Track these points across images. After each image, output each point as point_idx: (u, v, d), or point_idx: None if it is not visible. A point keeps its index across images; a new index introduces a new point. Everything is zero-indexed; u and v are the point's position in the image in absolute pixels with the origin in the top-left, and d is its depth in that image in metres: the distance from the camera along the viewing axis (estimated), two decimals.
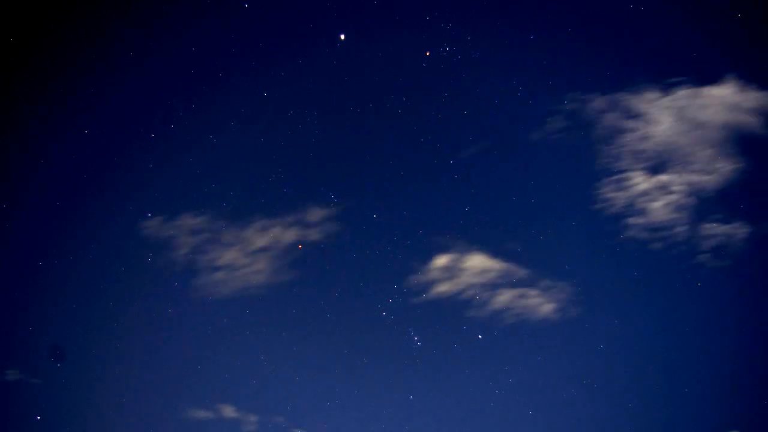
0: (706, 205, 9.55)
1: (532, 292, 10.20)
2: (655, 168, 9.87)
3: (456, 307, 10.31)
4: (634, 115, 9.81)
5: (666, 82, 9.62)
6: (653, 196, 9.77)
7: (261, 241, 10.55)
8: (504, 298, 10.21)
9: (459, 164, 10.48)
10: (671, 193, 9.65)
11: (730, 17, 9.24)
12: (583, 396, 9.82)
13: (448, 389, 10.30)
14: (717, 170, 9.34)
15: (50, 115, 10.02)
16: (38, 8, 9.59)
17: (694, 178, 9.51)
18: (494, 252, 10.41)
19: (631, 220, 9.87)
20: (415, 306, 10.38)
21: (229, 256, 10.51)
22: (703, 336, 9.62)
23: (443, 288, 10.38)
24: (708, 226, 9.52)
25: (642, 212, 9.85)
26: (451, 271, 10.38)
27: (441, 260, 10.47)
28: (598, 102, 9.89)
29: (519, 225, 10.43)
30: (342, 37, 10.04)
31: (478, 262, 10.35)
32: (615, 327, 9.97)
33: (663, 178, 9.74)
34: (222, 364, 10.38)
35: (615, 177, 9.92)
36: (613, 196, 9.93)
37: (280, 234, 10.58)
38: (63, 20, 9.69)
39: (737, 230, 9.44)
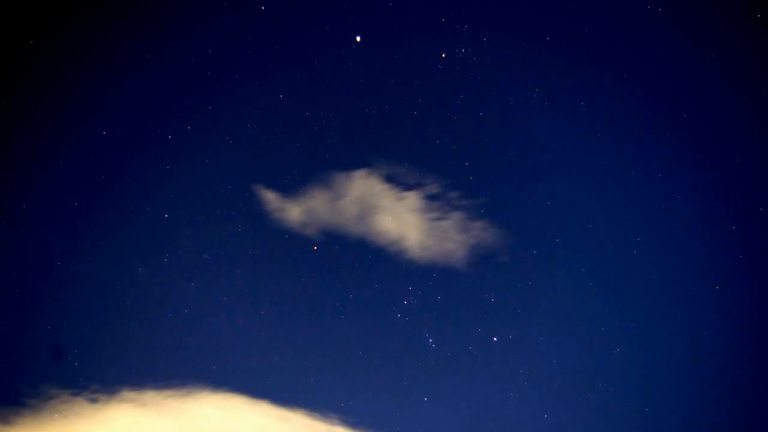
0: None
1: None
2: None
3: None
4: None
5: None
6: None
7: None
8: None
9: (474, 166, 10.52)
10: None
11: None
12: (597, 399, 9.81)
13: (461, 391, 10.33)
14: None
15: (61, 116, 10.15)
16: (51, 7, 9.73)
17: None
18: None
19: None
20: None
21: None
22: (721, 339, 9.57)
23: None
24: None
25: None
26: None
27: None
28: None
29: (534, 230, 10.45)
30: (358, 38, 10.07)
31: None
32: (631, 330, 9.96)
33: None
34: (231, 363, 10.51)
35: None
36: None
37: None
38: (73, 21, 9.83)
39: None
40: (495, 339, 10.23)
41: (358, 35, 10.04)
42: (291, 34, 10.28)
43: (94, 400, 9.90)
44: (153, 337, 10.31)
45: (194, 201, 10.42)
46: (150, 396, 9.97)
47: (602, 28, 9.77)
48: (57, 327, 10.05)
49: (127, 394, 9.92)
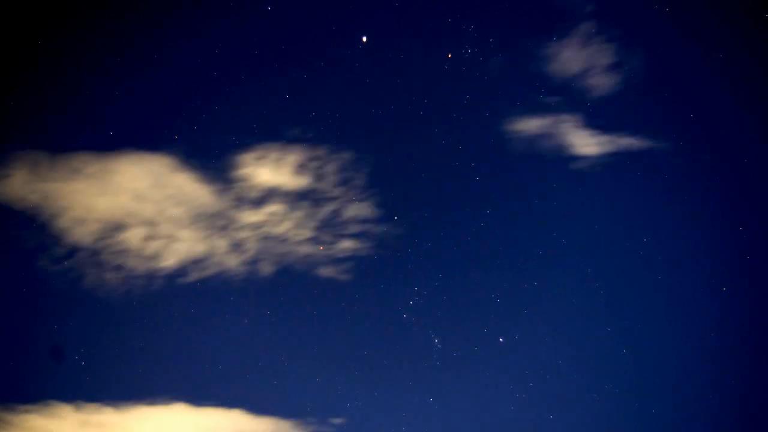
0: None
1: None
2: None
3: None
4: None
5: None
6: None
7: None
8: None
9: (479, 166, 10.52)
10: None
11: None
12: (604, 400, 9.83)
13: (467, 392, 10.32)
14: None
15: (65, 116, 10.08)
16: (58, 7, 9.70)
17: None
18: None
19: None
20: None
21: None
22: (729, 341, 9.61)
23: None
24: None
25: None
26: None
27: None
28: None
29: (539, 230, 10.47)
30: (364, 39, 10.06)
31: None
32: (639, 331, 9.99)
33: None
34: (238, 362, 10.43)
35: None
36: None
37: None
38: (78, 21, 9.80)
39: None
40: (501, 340, 10.25)
41: (364, 36, 10.06)
42: (296, 35, 10.28)
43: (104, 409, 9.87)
44: (153, 342, 10.27)
45: None
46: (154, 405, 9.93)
47: (609, 28, 9.83)
48: (57, 329, 10.02)
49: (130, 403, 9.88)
